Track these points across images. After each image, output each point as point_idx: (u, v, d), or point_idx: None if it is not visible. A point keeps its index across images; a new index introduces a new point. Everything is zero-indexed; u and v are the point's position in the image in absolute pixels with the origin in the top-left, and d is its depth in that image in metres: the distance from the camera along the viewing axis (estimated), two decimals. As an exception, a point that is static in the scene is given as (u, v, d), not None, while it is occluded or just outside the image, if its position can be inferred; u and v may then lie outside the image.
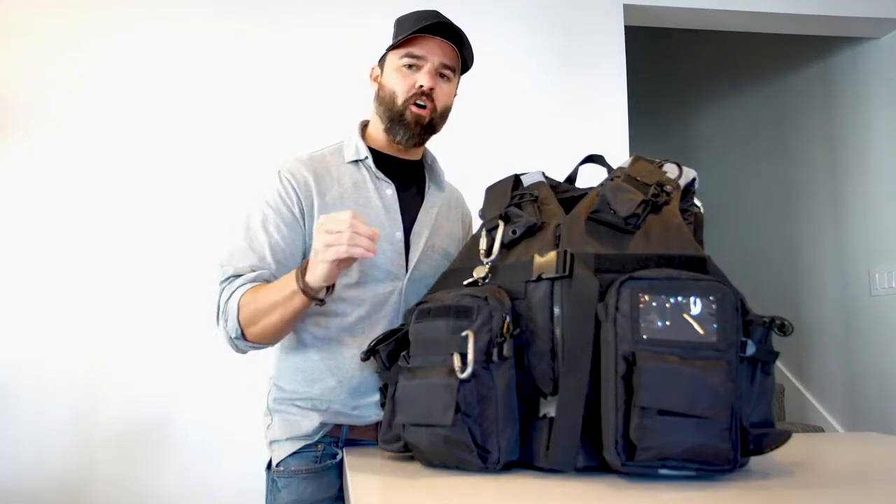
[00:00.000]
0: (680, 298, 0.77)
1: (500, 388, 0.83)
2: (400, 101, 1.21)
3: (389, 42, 1.24)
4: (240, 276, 1.16)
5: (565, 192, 1.02)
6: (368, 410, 1.18)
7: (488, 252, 0.96)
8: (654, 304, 0.77)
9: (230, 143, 2.30)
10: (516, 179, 1.06)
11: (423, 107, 1.21)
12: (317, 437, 1.19)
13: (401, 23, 1.24)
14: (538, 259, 0.88)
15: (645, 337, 0.76)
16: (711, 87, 3.94)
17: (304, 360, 1.20)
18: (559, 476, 0.81)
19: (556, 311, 0.84)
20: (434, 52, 1.20)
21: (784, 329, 0.81)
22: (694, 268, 0.83)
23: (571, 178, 1.14)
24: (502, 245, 0.95)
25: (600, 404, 0.77)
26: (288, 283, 1.08)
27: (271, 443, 1.22)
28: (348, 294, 1.18)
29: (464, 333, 0.84)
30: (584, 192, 0.99)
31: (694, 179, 0.96)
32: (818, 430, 3.00)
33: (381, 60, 1.27)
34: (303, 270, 1.06)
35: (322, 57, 2.40)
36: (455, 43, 1.21)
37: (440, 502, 0.72)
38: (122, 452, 2.13)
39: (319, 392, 1.18)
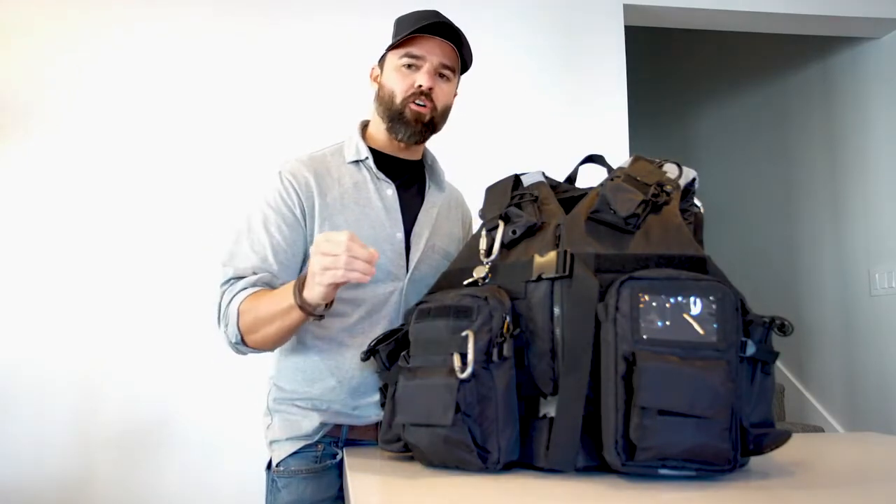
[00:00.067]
0: (680, 298, 0.77)
1: (500, 388, 0.83)
2: (398, 99, 1.21)
3: (389, 42, 1.24)
4: (241, 278, 1.16)
5: (565, 192, 1.02)
6: (368, 410, 1.18)
7: (488, 252, 0.96)
8: (654, 304, 0.77)
9: (230, 142, 2.30)
10: (516, 179, 1.06)
11: (423, 106, 1.21)
12: (317, 437, 1.19)
13: (400, 23, 1.24)
14: (538, 259, 0.88)
15: (645, 337, 0.76)
16: (711, 87, 3.94)
17: (304, 360, 1.20)
18: (559, 476, 0.81)
19: (556, 311, 0.84)
20: (433, 51, 1.20)
21: (784, 329, 0.81)
22: (694, 268, 0.83)
23: (571, 178, 1.14)
24: (502, 245, 0.95)
25: (600, 404, 0.77)
26: (286, 295, 1.07)
27: (271, 443, 1.22)
28: (349, 294, 1.18)
29: (464, 333, 0.84)
30: (584, 192, 0.99)
31: (694, 179, 0.96)
32: (818, 430, 3.00)
33: (381, 60, 1.27)
34: (300, 285, 1.05)
35: (322, 57, 2.40)
36: (454, 43, 1.21)
37: (440, 502, 0.72)
38: (122, 452, 2.13)
39: (319, 392, 1.18)
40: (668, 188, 0.92)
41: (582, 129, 2.52)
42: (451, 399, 0.81)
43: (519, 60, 2.53)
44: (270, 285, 1.15)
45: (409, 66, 1.21)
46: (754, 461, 0.86)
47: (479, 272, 0.95)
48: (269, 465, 1.22)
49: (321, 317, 1.09)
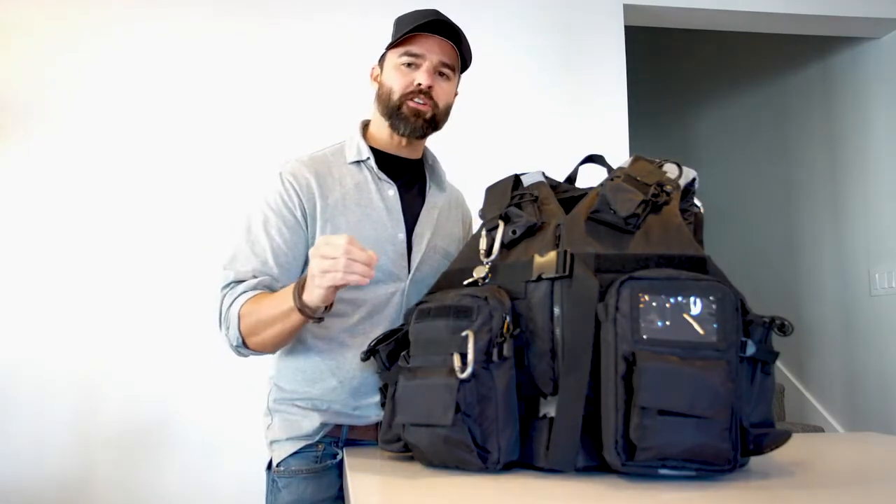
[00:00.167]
0: (680, 298, 0.77)
1: (500, 388, 0.83)
2: (396, 96, 1.21)
3: (389, 42, 1.24)
4: (241, 281, 1.16)
5: (565, 192, 1.02)
6: (369, 411, 1.18)
7: (488, 252, 0.96)
8: (654, 304, 0.77)
9: (230, 143, 2.30)
10: (516, 179, 1.06)
11: (423, 104, 1.21)
12: (317, 438, 1.19)
13: (400, 21, 1.24)
14: (538, 259, 0.88)
15: (645, 337, 0.76)
16: (711, 87, 3.94)
17: (304, 361, 1.20)
18: (559, 476, 0.81)
19: (556, 311, 0.84)
20: (433, 50, 1.20)
21: (784, 329, 0.81)
22: (694, 268, 0.83)
23: (571, 178, 1.14)
24: (502, 245, 0.95)
25: (600, 404, 0.77)
26: (286, 298, 1.07)
27: (271, 443, 1.22)
28: (350, 295, 1.18)
29: (464, 333, 0.84)
30: (584, 192, 0.99)
31: (694, 179, 0.96)
32: (818, 430, 3.00)
33: (381, 60, 1.27)
34: (300, 288, 1.05)
35: (322, 57, 2.40)
36: (454, 41, 1.21)
37: (440, 502, 0.72)
38: (122, 452, 2.13)
39: (320, 392, 1.18)
40: (668, 188, 0.92)
41: (582, 129, 2.52)
42: (451, 399, 0.81)
43: (519, 60, 2.53)
44: (271, 288, 1.15)
45: (409, 64, 1.21)
46: (754, 461, 0.86)
47: (479, 272, 0.95)
48: (270, 465, 1.22)
49: (321, 319, 1.09)
